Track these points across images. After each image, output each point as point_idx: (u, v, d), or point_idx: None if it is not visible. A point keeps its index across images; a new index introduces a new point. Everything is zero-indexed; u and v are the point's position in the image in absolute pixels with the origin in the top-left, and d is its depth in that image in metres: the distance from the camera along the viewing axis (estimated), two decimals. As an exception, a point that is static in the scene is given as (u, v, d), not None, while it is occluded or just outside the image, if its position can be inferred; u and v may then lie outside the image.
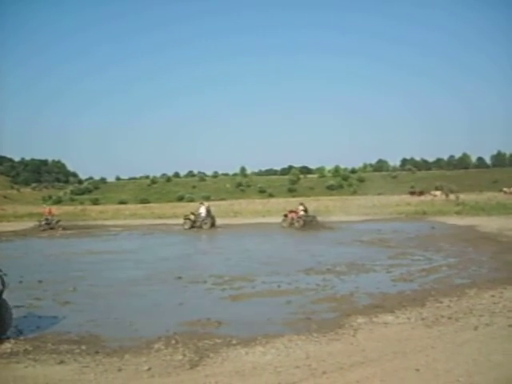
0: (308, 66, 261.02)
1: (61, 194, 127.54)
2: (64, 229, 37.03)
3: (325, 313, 10.26)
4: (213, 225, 35.38)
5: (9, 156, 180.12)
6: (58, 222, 38.33)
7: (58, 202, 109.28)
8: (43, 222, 37.28)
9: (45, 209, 41.25)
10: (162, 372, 7.00)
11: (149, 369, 7.11)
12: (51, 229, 36.61)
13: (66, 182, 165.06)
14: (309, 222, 34.39)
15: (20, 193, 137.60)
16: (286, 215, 35.88)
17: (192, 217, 35.51)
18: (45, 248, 25.79)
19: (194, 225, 34.94)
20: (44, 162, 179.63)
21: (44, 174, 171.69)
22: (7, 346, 8.39)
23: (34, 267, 17.72)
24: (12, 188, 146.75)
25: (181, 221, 36.34)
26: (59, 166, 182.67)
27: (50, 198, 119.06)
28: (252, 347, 8.02)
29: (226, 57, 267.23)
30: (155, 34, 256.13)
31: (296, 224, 34.18)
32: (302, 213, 35.14)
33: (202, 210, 35.79)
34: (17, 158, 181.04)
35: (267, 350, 7.89)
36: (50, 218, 38.12)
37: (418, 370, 6.73)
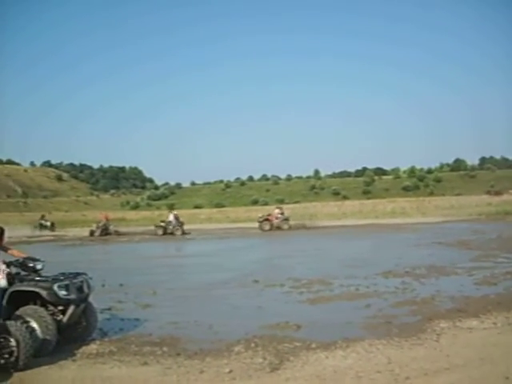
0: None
1: (138, 199, 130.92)
2: (119, 234, 38.50)
3: (405, 317, 10.03)
4: (183, 232, 37.65)
5: (89, 164, 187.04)
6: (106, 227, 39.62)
7: (136, 207, 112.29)
8: (101, 228, 38.35)
9: (102, 214, 42.59)
10: (242, 375, 7.02)
11: (230, 371, 7.14)
12: (108, 234, 37.72)
13: (143, 187, 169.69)
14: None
15: (99, 199, 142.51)
16: (266, 219, 38.36)
17: (163, 224, 38.17)
18: (120, 252, 26.52)
19: (166, 231, 37.43)
20: (122, 169, 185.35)
21: (122, 181, 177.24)
22: (93, 347, 8.65)
23: (114, 271, 18.22)
24: (92, 194, 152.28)
25: (255, 224, 36.77)
26: (136, 173, 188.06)
27: (127, 203, 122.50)
28: (332, 351, 7.93)
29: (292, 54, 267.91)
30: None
31: (285, 226, 37.62)
32: (279, 216, 38.27)
33: (171, 218, 38.39)
34: (96, 166, 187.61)
35: (348, 354, 7.77)
36: (107, 223, 39.11)
37: (507, 377, 6.45)
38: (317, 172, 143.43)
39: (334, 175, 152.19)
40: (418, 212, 45.57)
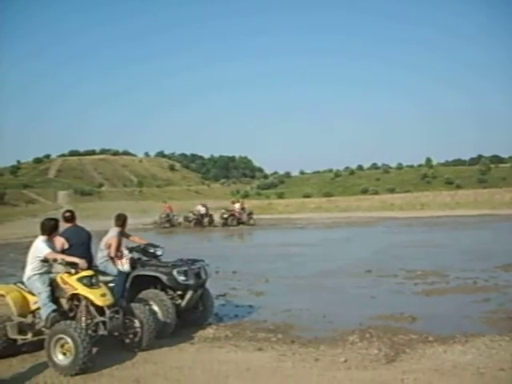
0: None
1: (248, 188, 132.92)
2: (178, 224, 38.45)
3: (529, 312, 9.54)
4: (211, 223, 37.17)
5: (200, 154, 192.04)
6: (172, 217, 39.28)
7: (246, 196, 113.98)
8: (164, 219, 38.45)
9: (165, 205, 42.09)
10: (358, 365, 6.97)
11: (345, 361, 7.12)
12: (172, 226, 37.70)
13: (253, 177, 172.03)
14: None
15: (210, 188, 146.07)
16: (231, 214, 36.78)
17: (192, 215, 37.55)
18: (225, 240, 27.08)
19: (201, 223, 36.84)
20: (232, 159, 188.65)
21: (232, 170, 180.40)
22: (209, 331, 8.92)
23: (225, 258, 18.61)
24: (203, 184, 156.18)
25: (365, 214, 36.20)
26: (246, 162, 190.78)
27: (237, 192, 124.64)
28: (450, 345, 7.68)
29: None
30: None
31: (251, 221, 36.36)
32: (237, 210, 36.88)
33: (200, 208, 37.78)
34: (207, 156, 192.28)
35: (467, 349, 7.50)
36: (170, 214, 39.08)
37: None
38: (428, 160, 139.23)
39: (446, 164, 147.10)
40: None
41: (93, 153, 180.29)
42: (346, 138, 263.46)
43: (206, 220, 36.97)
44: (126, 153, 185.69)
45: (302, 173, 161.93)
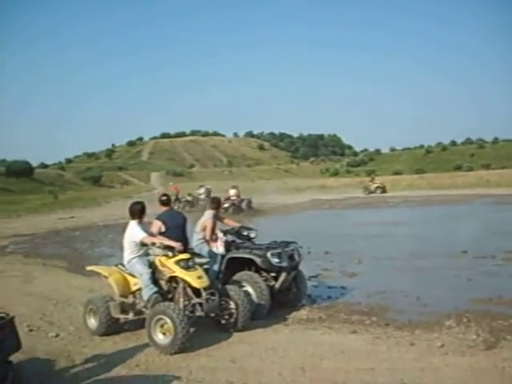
0: None
1: (337, 166, 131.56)
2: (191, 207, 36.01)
3: None
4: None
5: (288, 133, 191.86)
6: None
7: (335, 174, 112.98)
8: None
9: (171, 187, 40.53)
10: (455, 350, 6.83)
11: (442, 345, 6.99)
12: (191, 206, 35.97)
13: (342, 154, 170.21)
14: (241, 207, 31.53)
15: (299, 167, 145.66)
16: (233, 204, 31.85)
17: (189, 198, 35.12)
18: (315, 219, 26.97)
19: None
20: (320, 137, 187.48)
21: (321, 148, 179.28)
22: (303, 313, 9.00)
23: (316, 238, 18.55)
24: (292, 162, 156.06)
25: (461, 191, 34.97)
26: (335, 140, 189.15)
27: (327, 170, 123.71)
28: (556, 332, 7.37)
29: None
30: None
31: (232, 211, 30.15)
32: (234, 197, 31.91)
33: (202, 191, 35.70)
34: (295, 134, 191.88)
35: None
36: (177, 195, 37.69)
37: None
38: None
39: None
40: None
41: (183, 134, 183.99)
42: (438, 111, 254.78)
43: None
44: (215, 133, 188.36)
45: (392, 149, 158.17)
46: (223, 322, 7.81)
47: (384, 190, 44.70)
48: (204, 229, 9.13)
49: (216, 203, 9.47)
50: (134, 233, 7.79)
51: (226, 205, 29.92)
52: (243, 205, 31.70)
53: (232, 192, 32.43)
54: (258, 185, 71.05)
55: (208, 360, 6.80)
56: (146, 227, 8.04)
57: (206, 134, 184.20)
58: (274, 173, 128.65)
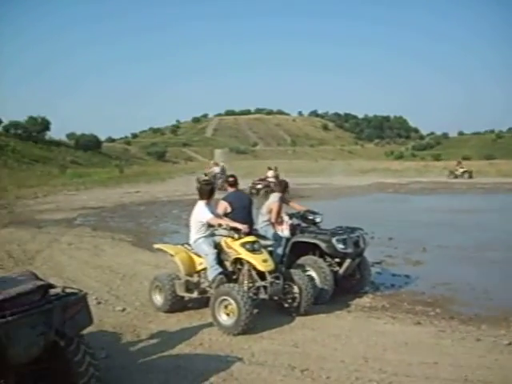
0: None
1: (402, 149, 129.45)
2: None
3: None
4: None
5: (353, 113, 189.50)
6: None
7: (400, 157, 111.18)
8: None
9: (208, 165, 38.28)
10: (524, 349, 6.64)
11: (509, 343, 6.80)
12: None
13: (408, 137, 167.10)
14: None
15: (363, 148, 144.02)
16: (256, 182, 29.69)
17: (206, 177, 31.34)
18: (377, 204, 26.56)
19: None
20: (386, 118, 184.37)
21: (386, 130, 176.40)
22: (366, 300, 8.93)
23: (380, 223, 18.26)
24: (356, 144, 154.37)
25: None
26: (401, 122, 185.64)
27: (391, 153, 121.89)
28: None
29: None
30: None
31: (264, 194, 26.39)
32: (271, 179, 28.53)
33: (217, 170, 33.34)
34: (360, 115, 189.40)
35: None
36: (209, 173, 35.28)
37: None
38: None
39: None
40: None
41: (248, 112, 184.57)
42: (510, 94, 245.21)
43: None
44: (279, 112, 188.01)
45: (460, 134, 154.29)
46: (286, 305, 7.84)
47: (471, 176, 43.15)
48: (270, 211, 9.14)
49: (283, 186, 9.45)
50: (201, 213, 7.87)
51: (258, 186, 28.89)
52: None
53: (270, 173, 30.73)
54: (321, 165, 70.62)
55: (270, 343, 6.85)
56: (213, 208, 8.10)
57: (270, 113, 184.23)
58: (338, 153, 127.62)
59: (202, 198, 8.01)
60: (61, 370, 4.91)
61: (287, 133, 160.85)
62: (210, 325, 7.41)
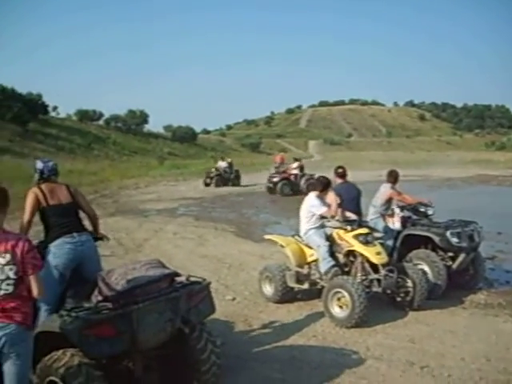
0: None
1: (504, 139, 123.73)
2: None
3: None
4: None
5: (451, 102, 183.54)
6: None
7: (502, 148, 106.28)
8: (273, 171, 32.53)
9: (276, 156, 35.40)
10: None
11: None
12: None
13: (510, 127, 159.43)
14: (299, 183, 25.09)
15: (462, 139, 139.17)
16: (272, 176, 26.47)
17: (214, 171, 30.99)
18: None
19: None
20: (487, 107, 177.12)
21: (487, 120, 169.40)
22: (481, 297, 8.57)
23: (486, 217, 17.48)
24: (454, 134, 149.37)
25: None
26: (503, 111, 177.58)
27: (492, 144, 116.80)
28: None
29: None
30: None
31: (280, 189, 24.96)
32: (294, 171, 25.99)
33: (224, 164, 31.58)
34: (459, 104, 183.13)
35: None
36: (280, 166, 33.03)
37: None
38: None
39: None
40: None
41: (342, 103, 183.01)
42: None
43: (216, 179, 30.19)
44: (374, 102, 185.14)
45: None
46: (399, 299, 7.66)
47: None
48: (384, 202, 8.97)
49: (394, 177, 9.22)
50: (313, 205, 7.82)
51: (275, 179, 25.93)
52: (302, 182, 25.37)
53: (295, 164, 26.93)
54: (418, 156, 68.90)
55: (385, 337, 6.72)
56: (323, 200, 8.03)
57: (364, 103, 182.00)
58: (435, 144, 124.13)
59: (315, 189, 7.97)
60: (184, 356, 5.03)
61: (382, 123, 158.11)
62: (321, 316, 7.37)
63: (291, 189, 25.11)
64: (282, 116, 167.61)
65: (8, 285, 3.59)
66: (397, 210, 8.91)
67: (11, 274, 3.59)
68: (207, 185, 30.29)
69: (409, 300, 7.58)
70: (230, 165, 31.88)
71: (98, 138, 61.41)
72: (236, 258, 11.38)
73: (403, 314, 7.53)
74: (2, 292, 3.57)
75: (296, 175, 25.80)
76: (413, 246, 8.61)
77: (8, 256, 3.59)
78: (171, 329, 4.70)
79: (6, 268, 3.58)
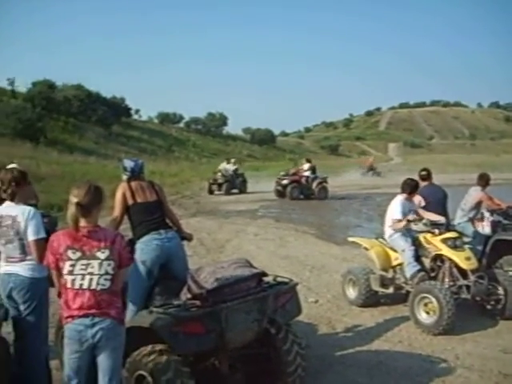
0: None
1: None
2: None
3: None
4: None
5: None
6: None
7: None
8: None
9: (365, 159, 34.83)
10: None
11: None
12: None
13: None
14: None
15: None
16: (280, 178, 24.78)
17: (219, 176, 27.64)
18: None
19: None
20: None
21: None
22: None
23: None
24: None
25: None
26: None
27: None
28: None
29: None
30: None
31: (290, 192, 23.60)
32: (306, 173, 24.22)
33: (230, 168, 28.40)
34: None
35: None
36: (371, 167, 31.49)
37: None
38: None
39: None
40: None
41: (423, 105, 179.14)
42: None
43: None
44: (457, 104, 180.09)
45: None
46: (489, 307, 7.35)
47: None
48: (474, 206, 8.68)
49: (485, 180, 8.90)
50: (398, 210, 7.62)
51: (284, 181, 24.53)
52: (314, 185, 24.29)
53: (306, 166, 25.21)
54: (504, 159, 66.38)
55: (475, 346, 6.46)
56: (411, 203, 7.82)
57: (446, 105, 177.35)
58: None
59: (403, 191, 7.79)
60: (269, 357, 5.01)
61: (465, 125, 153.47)
62: (406, 322, 7.19)
63: (301, 192, 24.22)
64: (361, 118, 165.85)
65: (106, 280, 3.68)
66: (486, 214, 8.57)
67: (110, 270, 3.68)
68: (212, 192, 27.32)
69: (500, 308, 7.25)
70: (236, 170, 29.02)
71: (179, 141, 62.86)
72: (318, 260, 11.30)
73: (493, 322, 7.21)
74: (100, 287, 3.66)
75: (307, 178, 24.52)
76: (503, 252, 8.26)
77: (107, 252, 3.68)
78: (258, 328, 4.69)
79: (105, 263, 3.67)
